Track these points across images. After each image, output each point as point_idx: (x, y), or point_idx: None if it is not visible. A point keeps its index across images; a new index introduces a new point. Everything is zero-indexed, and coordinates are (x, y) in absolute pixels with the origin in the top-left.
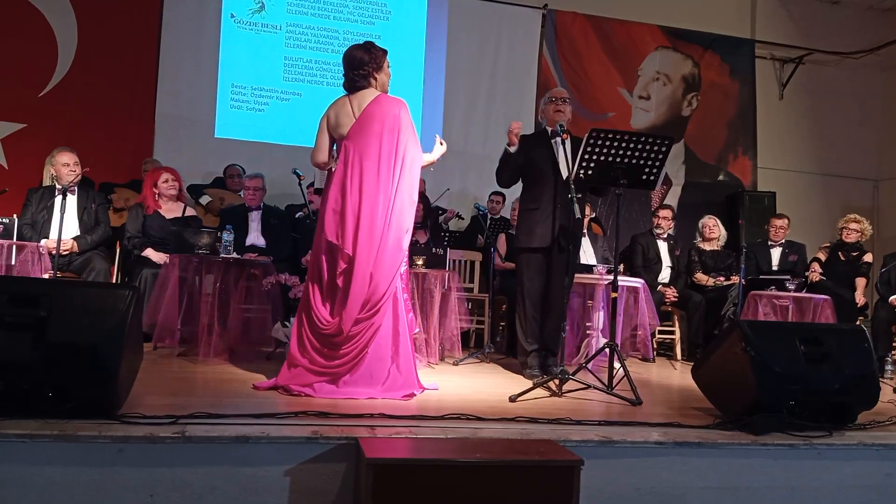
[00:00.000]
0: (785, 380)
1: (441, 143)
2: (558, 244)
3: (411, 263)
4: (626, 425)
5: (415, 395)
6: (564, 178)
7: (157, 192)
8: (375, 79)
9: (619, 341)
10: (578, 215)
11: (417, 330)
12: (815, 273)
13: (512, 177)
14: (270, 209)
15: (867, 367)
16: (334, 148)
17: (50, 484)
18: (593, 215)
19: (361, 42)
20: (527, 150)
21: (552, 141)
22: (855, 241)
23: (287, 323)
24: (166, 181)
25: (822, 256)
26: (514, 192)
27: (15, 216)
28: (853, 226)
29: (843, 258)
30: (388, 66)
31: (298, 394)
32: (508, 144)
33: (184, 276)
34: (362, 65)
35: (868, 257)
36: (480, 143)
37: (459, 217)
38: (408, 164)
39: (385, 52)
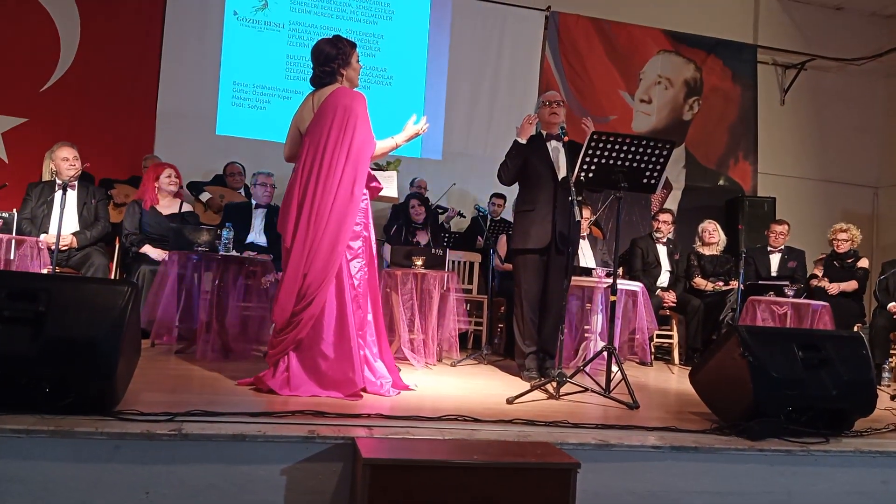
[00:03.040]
0: (782, 385)
1: (416, 124)
2: (556, 246)
3: (410, 264)
4: (623, 429)
5: (361, 395)
6: (561, 179)
7: (157, 186)
8: (342, 75)
9: (617, 345)
10: (578, 217)
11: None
12: (834, 286)
13: (516, 173)
14: (275, 208)
15: (865, 374)
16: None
17: (46, 479)
18: (593, 218)
19: (330, 36)
20: (523, 153)
21: (548, 144)
22: (848, 249)
23: None
24: (168, 176)
25: (819, 271)
26: (515, 194)
27: (14, 211)
28: (841, 235)
29: (838, 266)
30: (358, 60)
31: (249, 385)
32: (520, 135)
33: (182, 274)
34: (329, 60)
35: (864, 262)
36: (482, 145)
37: (461, 215)
38: (353, 155)
39: (354, 45)
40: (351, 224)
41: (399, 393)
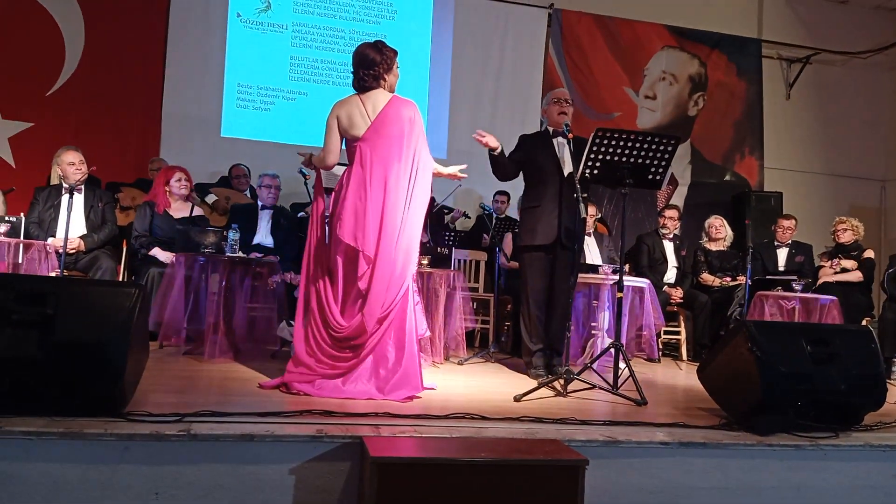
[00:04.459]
0: (791, 380)
1: (460, 172)
2: (561, 242)
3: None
4: (631, 425)
5: (417, 397)
6: (567, 176)
7: (168, 189)
8: (385, 80)
9: (624, 341)
10: (583, 214)
11: (426, 332)
12: (836, 264)
13: (506, 173)
14: (280, 209)
15: (874, 368)
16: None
17: (56, 481)
18: (599, 215)
19: (372, 41)
20: (529, 150)
21: (554, 140)
22: (851, 240)
23: (292, 322)
24: (179, 180)
25: (826, 263)
26: (520, 190)
27: (22, 215)
28: (841, 226)
29: (843, 258)
30: (397, 67)
31: (297, 392)
32: (491, 150)
33: (190, 275)
34: (373, 65)
35: (868, 253)
36: None
37: (466, 216)
38: (422, 166)
39: (395, 52)
40: (420, 232)
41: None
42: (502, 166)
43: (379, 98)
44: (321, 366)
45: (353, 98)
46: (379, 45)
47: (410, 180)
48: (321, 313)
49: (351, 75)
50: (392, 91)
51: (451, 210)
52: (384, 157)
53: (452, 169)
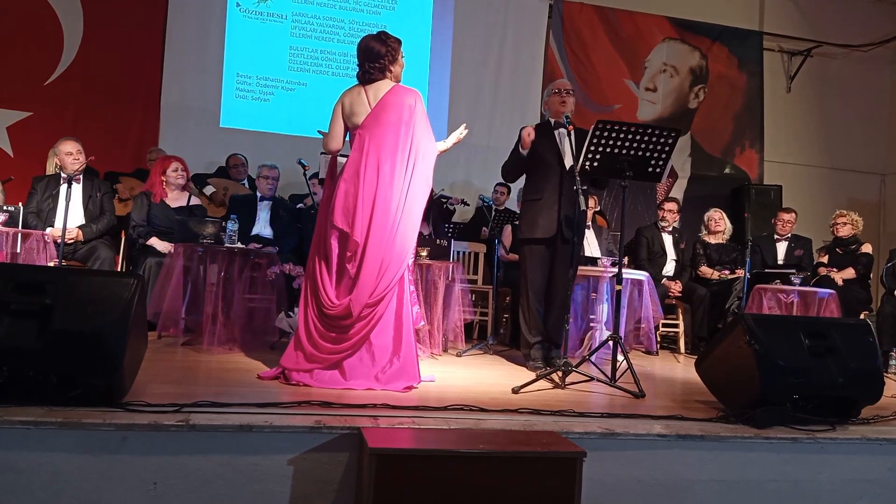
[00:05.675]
0: (788, 373)
1: (464, 129)
2: (562, 235)
3: (415, 254)
4: (629, 418)
5: (414, 387)
6: (568, 168)
7: (165, 179)
8: (391, 71)
9: (622, 334)
10: (583, 207)
11: (423, 323)
12: (838, 277)
13: (518, 175)
14: (280, 201)
15: (872, 361)
16: (346, 136)
17: (54, 471)
18: (598, 208)
19: (375, 32)
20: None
21: (556, 132)
22: (849, 234)
23: (291, 313)
24: (176, 170)
25: (824, 259)
26: (520, 182)
27: (20, 204)
28: (841, 220)
29: (841, 252)
30: (402, 57)
31: (297, 383)
32: (521, 147)
33: (188, 266)
34: (379, 57)
35: (866, 248)
36: (486, 135)
37: (465, 203)
38: (421, 155)
39: (400, 42)
40: (419, 222)
41: (419, 382)
42: (517, 168)
43: (382, 87)
44: (316, 351)
45: (358, 87)
46: (383, 37)
47: (408, 168)
48: (315, 292)
49: (352, 65)
50: (398, 81)
51: (448, 197)
52: (381, 144)
53: (452, 137)
